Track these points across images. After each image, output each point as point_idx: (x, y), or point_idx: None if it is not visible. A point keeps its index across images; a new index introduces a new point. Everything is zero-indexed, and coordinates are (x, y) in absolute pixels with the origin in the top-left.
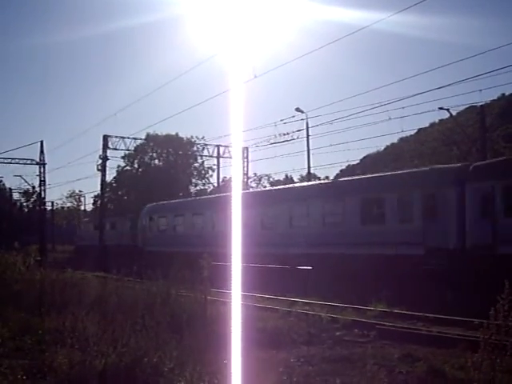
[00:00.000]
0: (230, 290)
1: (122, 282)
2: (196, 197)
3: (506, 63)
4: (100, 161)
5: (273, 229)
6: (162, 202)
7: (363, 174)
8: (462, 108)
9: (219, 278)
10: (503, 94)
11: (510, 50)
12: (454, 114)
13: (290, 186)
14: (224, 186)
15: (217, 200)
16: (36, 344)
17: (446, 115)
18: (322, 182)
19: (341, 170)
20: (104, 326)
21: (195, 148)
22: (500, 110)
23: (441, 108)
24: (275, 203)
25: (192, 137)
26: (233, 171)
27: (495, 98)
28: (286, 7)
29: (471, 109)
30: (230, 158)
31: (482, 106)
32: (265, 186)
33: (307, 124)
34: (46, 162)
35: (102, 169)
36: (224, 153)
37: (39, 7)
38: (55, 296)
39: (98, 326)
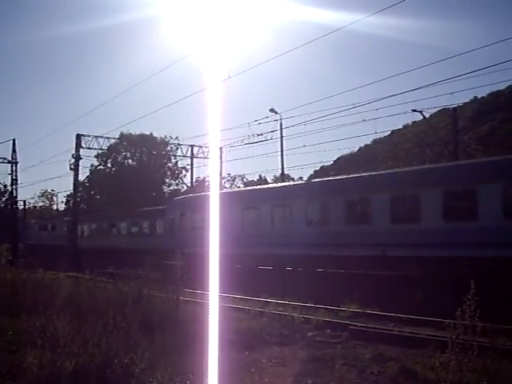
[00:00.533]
0: (204, 290)
1: (94, 282)
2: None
3: (478, 66)
4: (73, 160)
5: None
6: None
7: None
8: (434, 110)
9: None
10: (475, 97)
11: (483, 53)
12: (426, 116)
13: (271, 186)
14: (198, 186)
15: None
16: (6, 345)
17: (419, 117)
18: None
19: (315, 171)
20: (75, 326)
21: (169, 148)
22: (472, 113)
23: (414, 110)
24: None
25: (166, 136)
26: (210, 171)
27: (467, 100)
28: (261, 7)
29: (444, 111)
30: (204, 158)
31: (454, 108)
32: (239, 187)
33: (281, 125)
34: (18, 160)
35: (75, 168)
36: (198, 153)
37: (10, 6)
38: (26, 296)
39: (69, 327)
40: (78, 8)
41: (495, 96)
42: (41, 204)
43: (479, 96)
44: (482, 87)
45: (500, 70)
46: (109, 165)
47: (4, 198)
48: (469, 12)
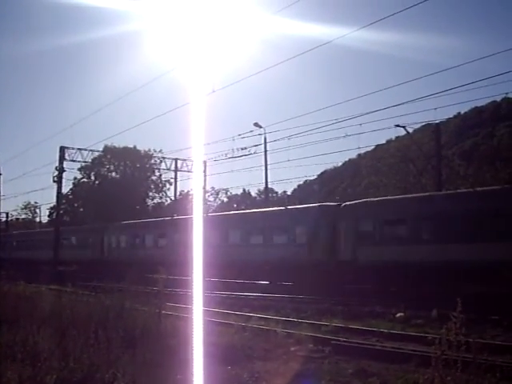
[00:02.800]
0: (186, 304)
1: (76, 295)
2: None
3: (461, 82)
4: (56, 172)
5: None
6: None
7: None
8: (418, 125)
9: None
10: (458, 113)
11: (467, 68)
12: (410, 131)
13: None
14: (181, 199)
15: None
16: None
17: (402, 132)
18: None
19: (298, 185)
20: (56, 340)
21: (153, 161)
22: (455, 128)
23: (397, 125)
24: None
25: (150, 150)
26: (193, 185)
27: (451, 116)
28: (248, 21)
29: (427, 126)
30: (188, 171)
31: (437, 123)
32: (222, 200)
33: (265, 139)
34: (1, 172)
35: (58, 180)
36: (182, 166)
37: None
38: (7, 309)
39: (50, 341)
40: (62, 22)
41: (478, 112)
42: (24, 216)
43: (462, 112)
44: (465, 103)
45: (482, 87)
46: (92, 177)
47: None
48: (455, 28)
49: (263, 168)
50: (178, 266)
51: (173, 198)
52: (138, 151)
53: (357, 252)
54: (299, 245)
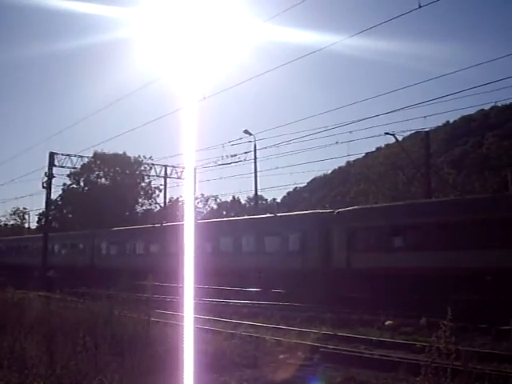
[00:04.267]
0: (175, 311)
1: (65, 301)
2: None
3: (451, 90)
4: (45, 178)
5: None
6: None
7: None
8: (407, 133)
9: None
10: (448, 121)
11: (456, 77)
12: (399, 139)
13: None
14: (171, 206)
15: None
16: None
17: (392, 140)
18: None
19: (288, 193)
20: (43, 347)
21: (142, 168)
22: (445, 136)
23: (387, 133)
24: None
25: (139, 156)
26: (184, 192)
27: (440, 124)
28: (239, 28)
29: (416, 134)
30: (177, 178)
31: (426, 132)
32: (212, 207)
33: (255, 146)
34: None
35: (48, 186)
36: (171, 173)
37: None
38: None
39: (38, 348)
40: (51, 29)
41: (467, 120)
42: (12, 222)
43: (451, 120)
44: (454, 111)
45: (471, 95)
46: (81, 184)
47: None
48: (446, 36)
49: (253, 175)
50: (167, 273)
51: (162, 205)
52: (128, 158)
53: (351, 259)
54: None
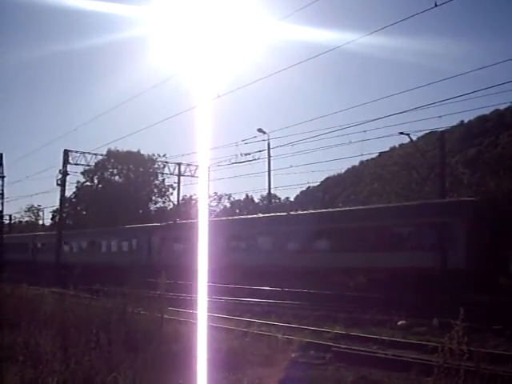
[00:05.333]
0: (188, 309)
1: (78, 298)
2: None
3: (466, 90)
4: (60, 175)
5: None
6: None
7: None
8: (422, 133)
9: None
10: (462, 121)
11: (471, 76)
12: (414, 139)
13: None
14: (184, 204)
15: None
16: None
17: (406, 140)
18: None
19: (301, 192)
20: (57, 343)
21: (156, 165)
22: (459, 136)
23: (401, 133)
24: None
25: (153, 154)
26: (199, 190)
27: (454, 124)
28: (254, 26)
29: (431, 134)
30: (191, 176)
31: (441, 131)
32: (225, 206)
33: (269, 145)
34: (5, 175)
35: (62, 184)
36: (185, 171)
37: None
38: (9, 311)
39: (52, 343)
40: (67, 27)
41: (482, 120)
42: (27, 219)
43: (466, 120)
44: (469, 111)
45: (487, 95)
46: (95, 181)
47: None
48: (462, 34)
49: (266, 174)
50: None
51: (176, 203)
52: (142, 155)
53: None
54: None
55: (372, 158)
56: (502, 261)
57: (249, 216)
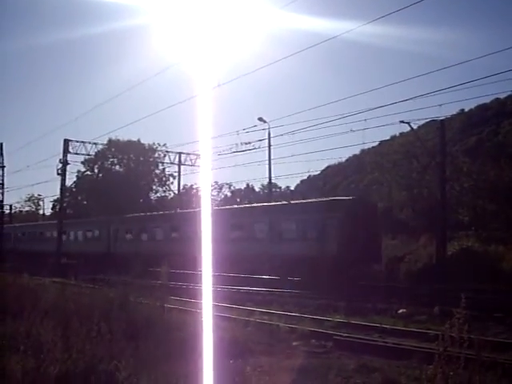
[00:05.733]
0: (189, 298)
1: (80, 287)
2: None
3: (466, 78)
4: (60, 165)
5: None
6: None
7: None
8: (422, 122)
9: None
10: (462, 110)
11: (472, 65)
12: (414, 127)
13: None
14: (185, 193)
15: None
16: None
17: (407, 128)
18: None
19: (301, 181)
20: (59, 332)
21: (156, 155)
22: (460, 125)
23: (402, 121)
24: None
25: (154, 143)
26: (200, 179)
27: (455, 112)
28: (254, 15)
29: (432, 123)
30: (192, 165)
31: (442, 120)
32: (226, 195)
33: (269, 134)
34: (5, 164)
35: (62, 173)
36: (185, 160)
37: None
38: (11, 301)
39: (53, 332)
40: (68, 15)
41: (482, 109)
42: (27, 208)
43: (466, 109)
44: (470, 100)
45: (487, 83)
46: (96, 170)
47: None
48: (463, 22)
49: (267, 163)
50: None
51: (176, 192)
52: (142, 145)
53: None
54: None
55: (373, 147)
56: (369, 249)
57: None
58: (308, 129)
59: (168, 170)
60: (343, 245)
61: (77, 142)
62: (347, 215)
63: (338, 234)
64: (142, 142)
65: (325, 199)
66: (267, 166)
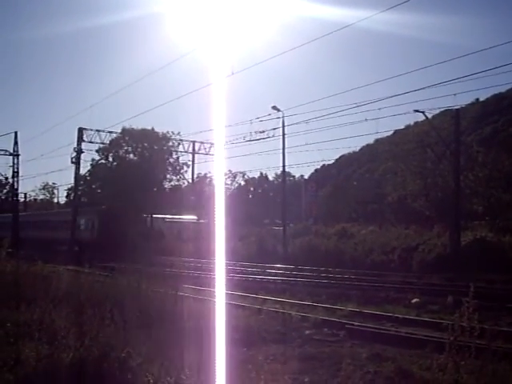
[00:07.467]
0: (203, 286)
1: (93, 275)
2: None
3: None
4: (74, 153)
5: None
6: None
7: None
8: (437, 111)
9: None
10: (477, 99)
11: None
12: (429, 116)
13: None
14: (198, 182)
15: None
16: (4, 337)
17: (421, 118)
18: None
19: (315, 170)
20: (72, 319)
21: (170, 143)
22: (475, 115)
23: (416, 110)
24: None
25: (168, 132)
26: (214, 168)
27: (470, 102)
28: (268, 4)
29: (446, 112)
30: (205, 154)
31: (457, 109)
32: (239, 184)
33: (283, 122)
34: (20, 153)
35: (77, 161)
36: (199, 149)
37: (15, 2)
38: (26, 288)
39: (66, 320)
40: (83, 5)
41: (498, 98)
42: (41, 197)
43: (482, 98)
44: (485, 89)
45: (503, 72)
46: (110, 159)
47: (5, 191)
48: (482, 9)
49: (281, 151)
50: None
51: (190, 181)
52: (156, 133)
53: None
54: None
55: (387, 136)
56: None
57: None
58: (322, 118)
59: (182, 159)
60: (100, 233)
61: (91, 130)
62: (102, 217)
63: (98, 227)
64: (156, 130)
65: (93, 208)
66: (281, 155)
